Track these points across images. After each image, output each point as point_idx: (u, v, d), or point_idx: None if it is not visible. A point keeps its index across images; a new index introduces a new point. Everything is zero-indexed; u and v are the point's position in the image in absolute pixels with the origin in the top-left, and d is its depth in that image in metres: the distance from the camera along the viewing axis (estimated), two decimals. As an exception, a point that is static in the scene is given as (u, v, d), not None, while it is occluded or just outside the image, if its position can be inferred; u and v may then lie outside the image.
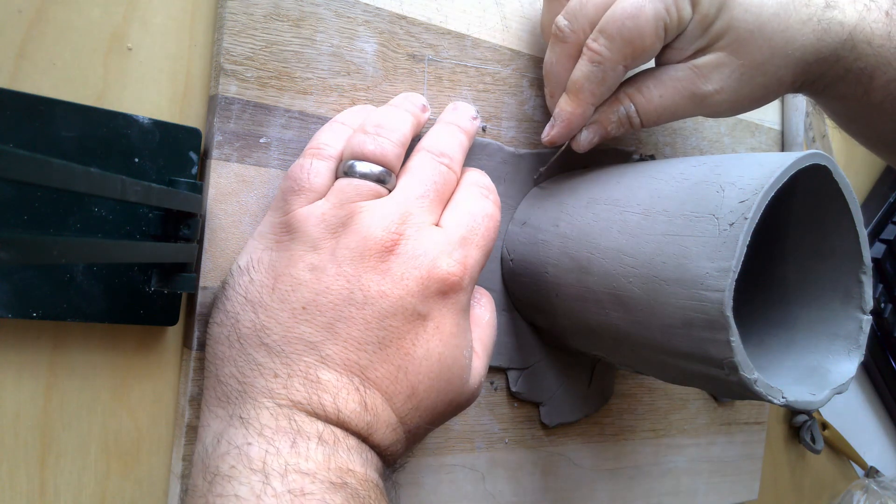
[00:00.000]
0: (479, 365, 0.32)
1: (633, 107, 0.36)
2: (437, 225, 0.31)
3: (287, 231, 0.29)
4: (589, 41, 0.34)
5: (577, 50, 0.36)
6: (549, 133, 0.38)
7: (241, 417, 0.27)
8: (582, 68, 0.35)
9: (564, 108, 0.37)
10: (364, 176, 0.30)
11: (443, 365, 0.29)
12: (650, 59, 0.36)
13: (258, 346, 0.28)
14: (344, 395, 0.27)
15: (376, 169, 0.30)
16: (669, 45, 0.35)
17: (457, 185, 0.33)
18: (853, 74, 0.36)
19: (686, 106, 0.36)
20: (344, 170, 0.30)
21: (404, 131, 0.31)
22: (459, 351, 0.30)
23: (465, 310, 0.31)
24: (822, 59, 0.35)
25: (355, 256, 0.28)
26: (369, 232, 0.28)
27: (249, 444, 0.25)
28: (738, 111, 0.37)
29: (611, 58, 0.34)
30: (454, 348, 0.30)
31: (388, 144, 0.30)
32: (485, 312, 0.35)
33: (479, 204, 0.32)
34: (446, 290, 0.29)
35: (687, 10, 0.33)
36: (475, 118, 0.36)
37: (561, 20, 0.35)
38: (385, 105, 0.34)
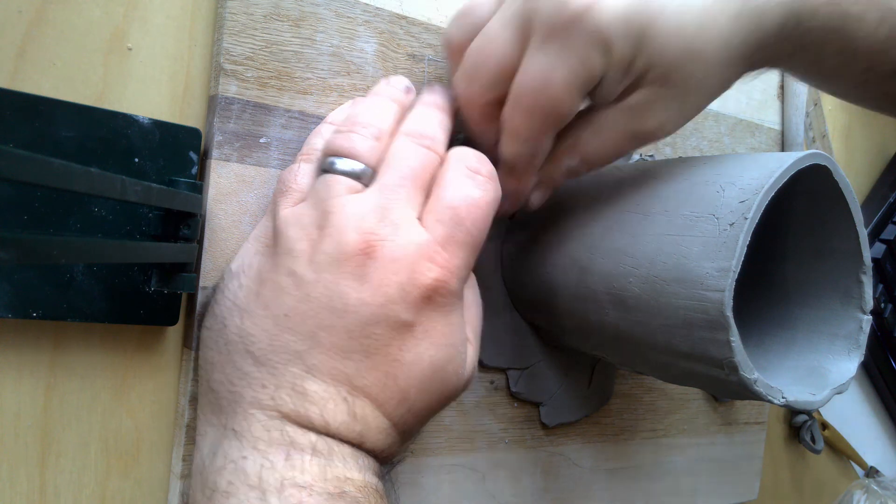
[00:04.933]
0: (472, 352, 0.31)
1: (575, 160, 0.34)
2: (419, 218, 0.28)
3: (274, 234, 0.29)
4: (507, 115, 0.31)
5: (483, 111, 0.33)
6: (501, 208, 0.36)
7: (234, 430, 0.26)
8: (509, 146, 0.32)
9: (507, 185, 0.34)
10: (339, 172, 0.28)
11: (435, 368, 0.28)
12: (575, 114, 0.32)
13: (244, 353, 0.27)
14: (331, 408, 0.26)
15: (357, 166, 0.28)
16: (593, 93, 0.31)
17: (441, 164, 0.30)
18: (801, 50, 0.33)
19: (631, 145, 0.33)
20: (322, 168, 0.29)
21: (379, 124, 0.30)
22: (454, 349, 0.29)
23: (457, 308, 0.29)
24: (765, 46, 0.31)
25: (332, 262, 0.26)
26: (343, 235, 0.27)
27: (244, 457, 0.25)
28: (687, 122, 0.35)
29: (534, 133, 0.31)
30: (447, 348, 0.28)
31: (358, 139, 0.29)
32: (468, 292, 0.32)
33: (461, 190, 0.28)
34: (431, 295, 0.27)
35: (598, 60, 0.29)
36: (409, 89, 0.33)
37: (459, 84, 0.33)
38: (368, 94, 0.33)
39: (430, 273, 0.27)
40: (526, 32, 0.30)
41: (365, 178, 0.29)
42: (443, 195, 0.28)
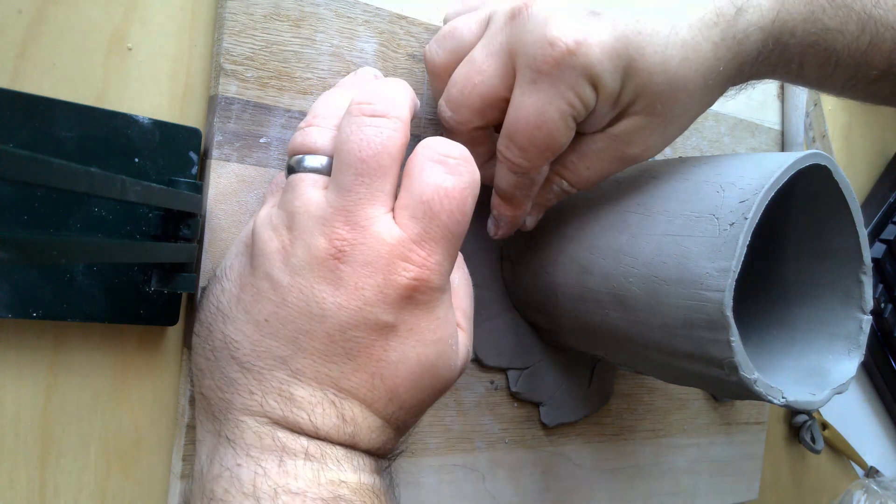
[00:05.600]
0: (464, 339, 0.30)
1: (564, 183, 0.34)
2: (391, 211, 0.27)
3: (252, 235, 0.28)
4: (503, 149, 0.32)
5: (471, 136, 0.33)
6: (497, 232, 0.36)
7: (227, 437, 0.26)
8: (507, 178, 0.33)
9: (504, 212, 0.35)
10: (303, 170, 0.27)
11: (424, 365, 0.27)
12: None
13: (229, 360, 0.27)
14: (319, 412, 0.26)
15: (320, 161, 0.27)
16: (582, 123, 0.32)
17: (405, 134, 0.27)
18: (782, 66, 0.34)
19: (617, 167, 0.34)
20: (289, 167, 0.28)
21: (338, 112, 0.28)
22: (443, 344, 0.28)
23: (443, 302, 0.28)
24: (746, 68, 0.32)
25: (304, 266, 0.26)
26: (311, 239, 0.26)
27: (239, 465, 0.25)
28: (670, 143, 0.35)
29: (530, 165, 0.32)
30: (435, 344, 0.27)
31: (317, 131, 0.28)
32: (455, 275, 0.32)
33: (432, 180, 0.26)
34: (410, 295, 0.26)
35: (590, 94, 0.29)
36: (378, 77, 0.33)
37: (445, 111, 0.33)
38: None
39: (407, 273, 0.26)
40: (512, 64, 0.30)
41: (324, 169, 0.28)
42: (412, 188, 0.26)
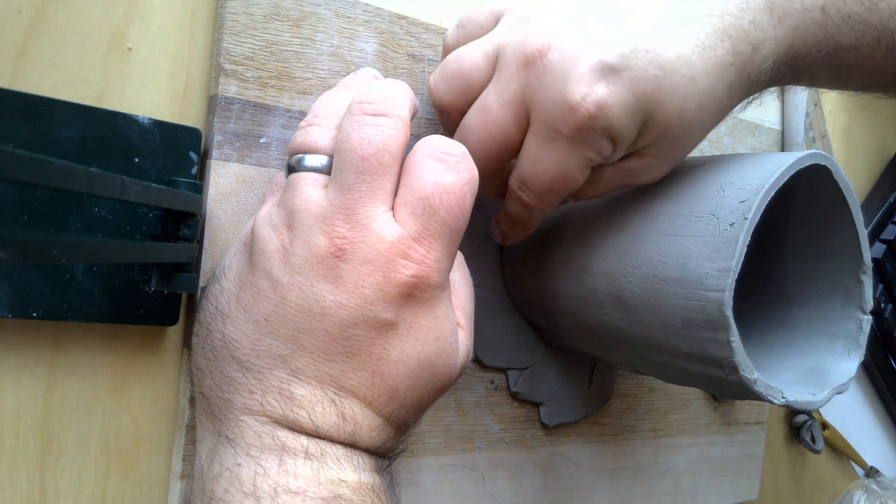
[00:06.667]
0: (464, 338, 0.30)
1: (570, 199, 0.35)
2: (391, 209, 0.27)
3: (251, 234, 0.28)
4: (517, 190, 0.32)
5: (485, 176, 0.32)
6: (505, 242, 0.37)
7: (227, 437, 0.26)
8: (518, 210, 0.34)
9: (515, 232, 0.36)
10: (304, 169, 0.27)
11: (423, 363, 0.27)
12: None
13: (229, 359, 0.27)
14: (319, 411, 0.26)
15: (321, 160, 0.27)
16: None
17: (405, 133, 0.27)
18: (793, 82, 0.34)
19: (619, 189, 0.34)
20: (290, 166, 0.28)
21: (339, 112, 0.28)
22: (442, 342, 0.28)
23: (442, 300, 0.28)
24: (754, 94, 0.33)
25: (304, 265, 0.26)
26: (311, 238, 0.26)
27: (239, 464, 0.25)
28: None
29: (545, 207, 0.33)
30: (435, 342, 0.28)
31: (318, 131, 0.28)
32: (455, 274, 0.32)
33: (431, 177, 0.26)
34: (410, 293, 0.26)
35: (608, 147, 0.30)
36: (378, 78, 0.33)
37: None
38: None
39: (407, 270, 0.26)
40: (526, 112, 0.30)
41: (325, 169, 0.28)
42: (412, 184, 0.27)
